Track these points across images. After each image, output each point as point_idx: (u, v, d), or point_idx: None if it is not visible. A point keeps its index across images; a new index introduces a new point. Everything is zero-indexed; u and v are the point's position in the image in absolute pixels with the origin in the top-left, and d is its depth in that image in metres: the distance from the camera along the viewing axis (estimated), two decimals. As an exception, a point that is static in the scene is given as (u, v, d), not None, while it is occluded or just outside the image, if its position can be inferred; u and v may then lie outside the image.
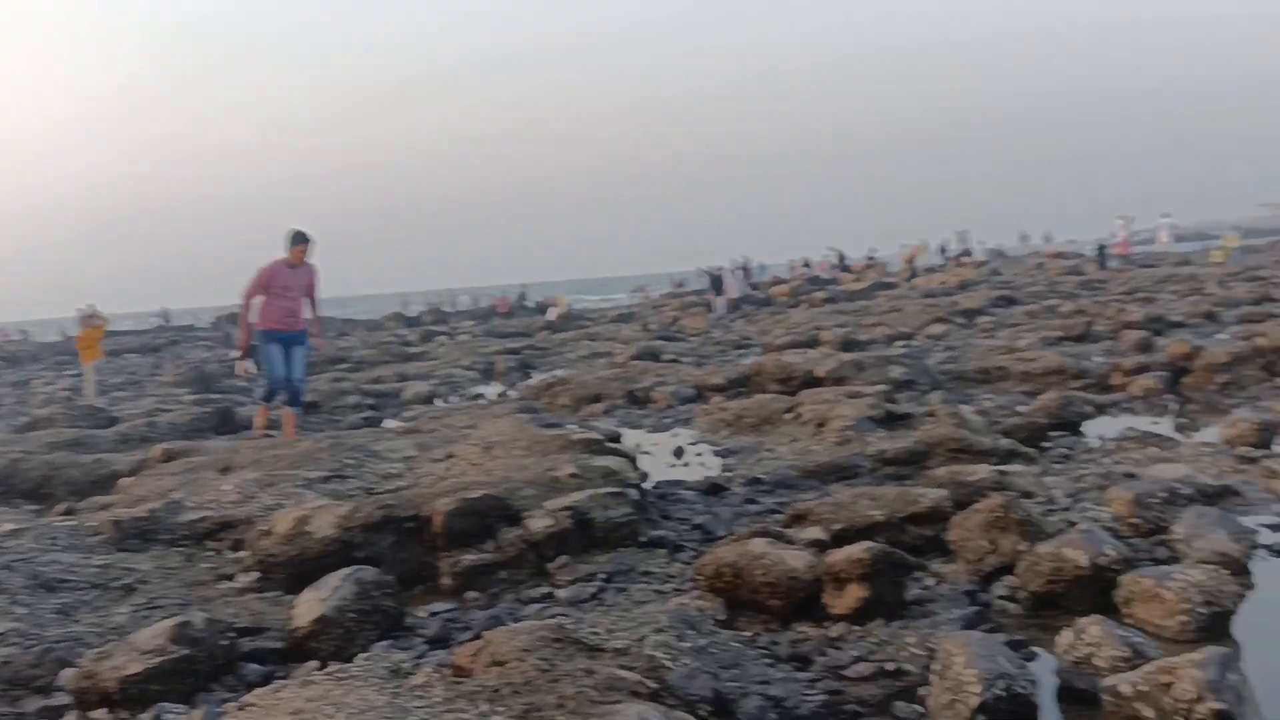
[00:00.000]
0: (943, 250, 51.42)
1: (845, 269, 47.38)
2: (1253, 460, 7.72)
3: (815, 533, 5.99)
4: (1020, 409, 10.62)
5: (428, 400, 16.62)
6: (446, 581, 6.04)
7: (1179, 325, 17.88)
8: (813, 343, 17.92)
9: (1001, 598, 5.27)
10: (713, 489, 8.00)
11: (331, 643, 4.94)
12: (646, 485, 7.92)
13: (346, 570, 5.32)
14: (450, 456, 8.16)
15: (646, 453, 10.13)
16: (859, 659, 4.57)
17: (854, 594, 5.01)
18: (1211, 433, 9.18)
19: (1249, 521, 6.13)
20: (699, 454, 10.04)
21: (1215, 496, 6.54)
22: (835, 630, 4.90)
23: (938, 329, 20.01)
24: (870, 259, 51.73)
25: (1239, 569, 5.34)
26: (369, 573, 5.35)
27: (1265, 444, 8.31)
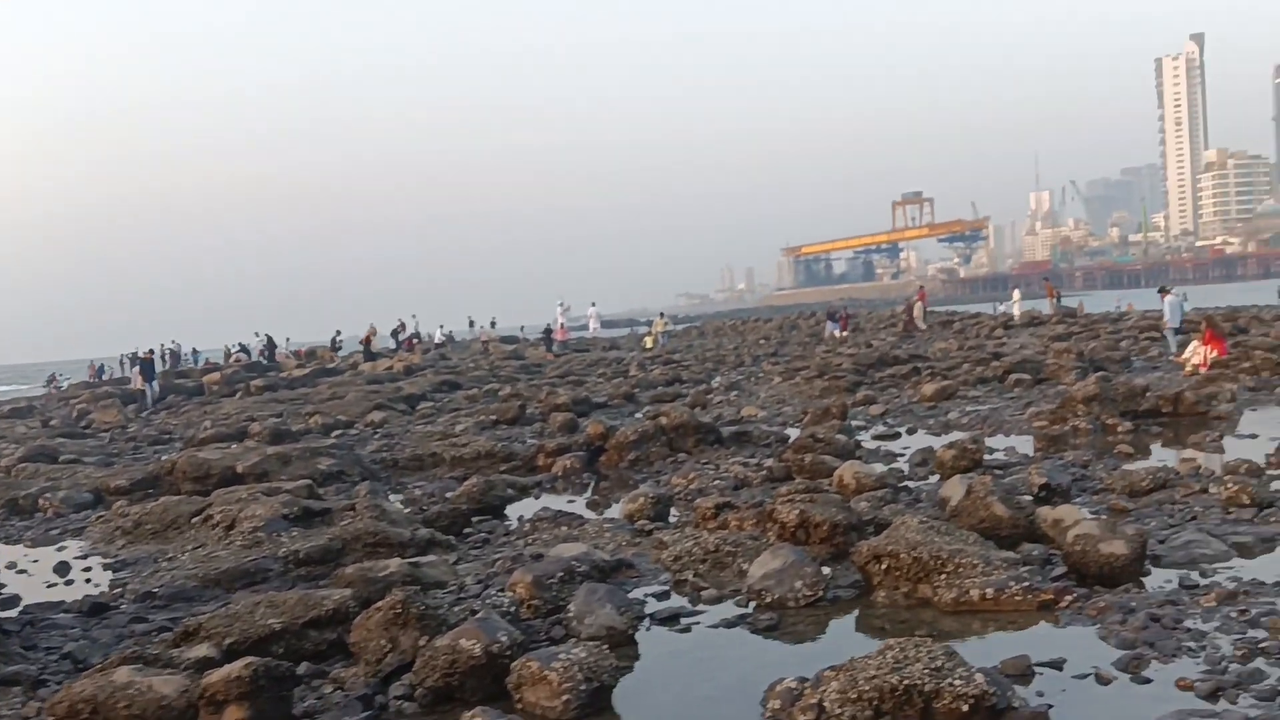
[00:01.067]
0: (394, 334, 51.69)
1: (272, 357, 45.46)
2: (647, 533, 8.31)
3: (205, 650, 5.46)
4: (448, 495, 10.68)
5: None
6: None
7: (603, 406, 19.28)
8: (242, 435, 16.91)
9: (399, 697, 5.09)
10: (95, 609, 7.06)
11: None
12: (9, 612, 6.75)
13: None
14: None
15: (23, 571, 8.85)
16: (231, 791, 4.12)
17: (232, 716, 4.56)
18: (617, 508, 9.77)
19: (638, 593, 6.52)
20: (87, 569, 8.90)
21: (610, 571, 6.88)
22: (209, 760, 4.40)
23: (378, 416, 19.82)
24: (335, 344, 50.77)
25: (625, 641, 5.63)
26: None
27: (661, 516, 9.02)
